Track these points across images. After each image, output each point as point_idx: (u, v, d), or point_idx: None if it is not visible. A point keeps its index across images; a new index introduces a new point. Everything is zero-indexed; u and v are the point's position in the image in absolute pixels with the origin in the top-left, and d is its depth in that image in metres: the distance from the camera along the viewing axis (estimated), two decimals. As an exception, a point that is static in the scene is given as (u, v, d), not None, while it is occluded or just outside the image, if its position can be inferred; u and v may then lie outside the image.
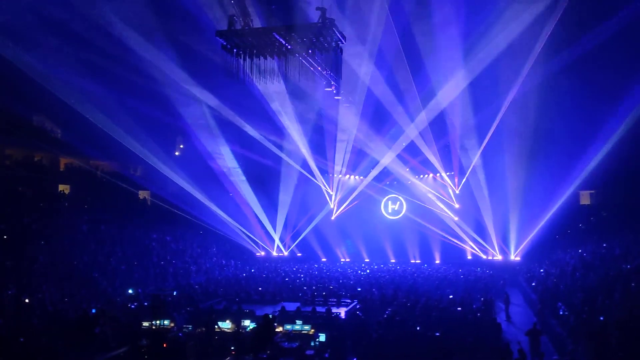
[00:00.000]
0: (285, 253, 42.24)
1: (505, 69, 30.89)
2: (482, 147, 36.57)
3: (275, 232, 41.70)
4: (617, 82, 28.14)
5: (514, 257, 36.22)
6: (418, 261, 40.91)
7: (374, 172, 43.19)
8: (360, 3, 27.26)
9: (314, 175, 42.83)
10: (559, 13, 26.73)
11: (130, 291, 22.79)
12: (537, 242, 34.58)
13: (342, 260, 42.77)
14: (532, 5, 27.03)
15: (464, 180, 40.33)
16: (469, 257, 39.50)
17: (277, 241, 41.97)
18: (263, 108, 36.18)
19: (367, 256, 42.97)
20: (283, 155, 40.68)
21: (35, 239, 24.25)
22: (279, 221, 41.74)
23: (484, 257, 38.27)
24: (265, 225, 41.47)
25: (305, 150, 40.24)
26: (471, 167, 38.58)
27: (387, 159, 40.91)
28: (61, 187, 33.64)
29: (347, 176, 44.58)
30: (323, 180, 43.65)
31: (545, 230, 34.09)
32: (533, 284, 26.19)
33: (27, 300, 18.60)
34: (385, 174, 43.59)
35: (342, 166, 42.77)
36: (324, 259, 42.74)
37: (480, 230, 38.62)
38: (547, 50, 28.80)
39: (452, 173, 41.48)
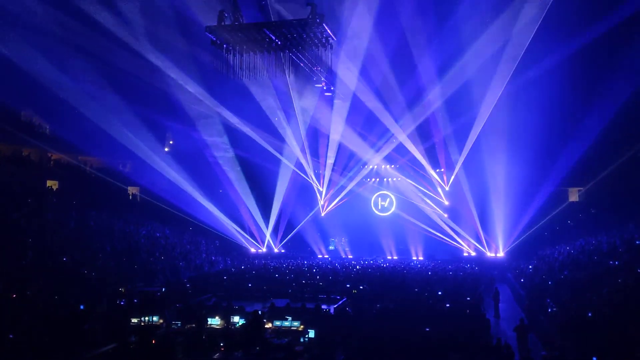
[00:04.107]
0: (275, 249, 42.22)
1: (493, 68, 31.15)
2: (470, 145, 36.70)
3: (265, 228, 41.65)
4: (603, 80, 28.38)
5: (503, 253, 36.39)
6: (413, 258, 41.10)
7: (364, 172, 43.57)
8: (351, 3, 27.34)
9: (304, 172, 42.87)
10: (542, 15, 27.04)
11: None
12: (526, 239, 34.77)
13: (330, 257, 42.81)
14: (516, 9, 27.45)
15: (453, 177, 40.52)
16: (458, 254, 39.66)
17: (267, 237, 41.91)
18: (255, 104, 36.21)
19: (357, 253, 43.09)
20: (274, 152, 40.60)
21: (23, 234, 24.08)
22: (268, 217, 41.71)
23: (474, 253, 38.45)
24: (255, 221, 41.43)
25: (296, 147, 40.27)
26: (460, 164, 38.75)
27: (377, 157, 41.40)
28: (49, 183, 33.44)
29: (338, 173, 44.61)
30: (313, 177, 43.66)
31: (534, 227, 34.28)
32: (522, 280, 26.33)
33: (14, 297, 18.47)
34: (374, 172, 43.89)
35: (333, 163, 42.91)
36: (319, 255, 42.79)
37: (469, 227, 38.78)
38: (534, 50, 29.08)
39: (442, 170, 41.62)
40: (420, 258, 40.60)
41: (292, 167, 42.05)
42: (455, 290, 22.45)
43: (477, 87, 32.98)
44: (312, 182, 43.82)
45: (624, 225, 26.80)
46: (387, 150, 41.40)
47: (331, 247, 45.11)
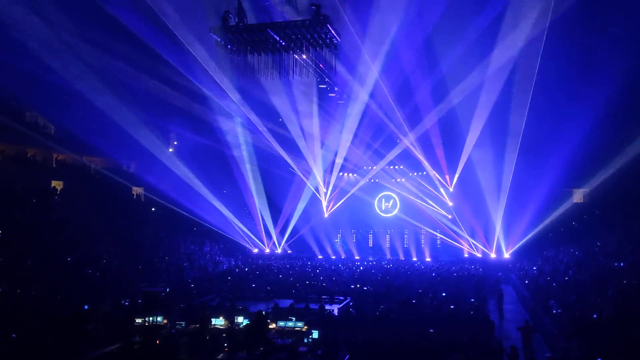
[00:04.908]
0: (279, 250, 42.20)
1: (497, 68, 31.09)
2: (471, 145, 36.64)
3: (268, 229, 41.65)
4: (610, 81, 28.30)
5: (507, 255, 36.30)
6: (414, 259, 41.09)
7: (369, 173, 43.56)
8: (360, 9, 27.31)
9: (309, 173, 42.81)
10: (546, 18, 27.01)
11: None
12: (531, 240, 34.67)
13: (335, 257, 42.79)
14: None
15: (456, 177, 40.47)
16: (463, 255, 39.61)
17: (274, 238, 41.89)
18: (257, 104, 36.22)
19: (360, 253, 43.09)
20: (280, 150, 40.58)
21: (27, 234, 24.13)
22: (272, 218, 41.72)
23: (478, 254, 38.36)
24: (259, 222, 41.44)
25: (302, 148, 40.22)
26: (462, 164, 38.70)
27: (382, 160, 41.49)
28: (54, 183, 33.49)
29: (340, 173, 44.55)
30: (319, 179, 43.56)
31: (539, 228, 34.18)
32: (526, 281, 26.28)
33: (18, 296, 18.51)
34: (378, 173, 43.85)
35: (338, 163, 42.91)
36: (320, 256, 42.74)
37: (473, 228, 38.73)
38: (532, 51, 29.06)
39: (445, 171, 41.54)
40: (428, 259, 40.58)
41: (296, 169, 42.09)
42: (459, 291, 22.42)
43: (477, 88, 33.02)
44: (317, 183, 43.72)
45: (629, 226, 26.73)
46: (393, 152, 41.37)
47: (338, 243, 45.04)
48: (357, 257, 42.20)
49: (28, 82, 27.42)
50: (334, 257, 42.47)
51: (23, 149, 32.68)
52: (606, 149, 31.44)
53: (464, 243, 39.58)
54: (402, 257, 41.86)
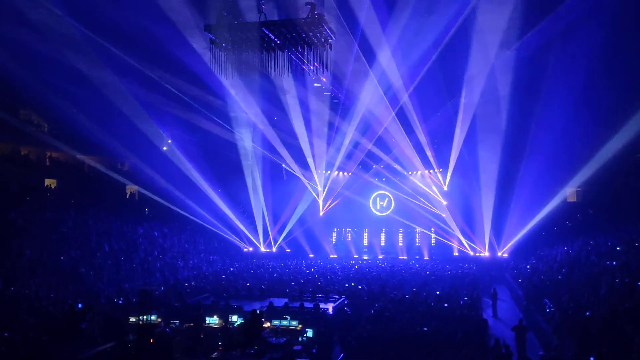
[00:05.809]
0: (274, 249, 42.17)
1: (489, 64, 31.12)
2: (460, 143, 36.75)
3: (263, 227, 41.59)
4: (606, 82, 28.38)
5: (501, 253, 36.39)
6: (405, 257, 41.16)
7: (364, 175, 43.62)
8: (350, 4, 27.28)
9: (304, 171, 42.79)
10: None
11: None
12: (524, 239, 34.75)
13: (331, 256, 42.80)
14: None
15: (449, 176, 40.57)
16: (457, 254, 39.70)
17: (270, 236, 41.86)
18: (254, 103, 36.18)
19: (355, 252, 43.14)
20: (278, 148, 40.53)
21: (21, 233, 24.07)
22: (268, 217, 41.67)
23: (472, 253, 38.45)
24: (254, 220, 41.41)
25: (298, 146, 40.18)
26: (453, 163, 38.83)
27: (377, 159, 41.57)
28: (48, 182, 33.38)
29: (336, 172, 44.57)
30: (317, 178, 43.53)
31: (532, 227, 34.27)
32: (520, 280, 26.37)
33: (13, 295, 18.47)
34: (373, 172, 43.86)
35: (333, 162, 42.91)
36: (311, 255, 42.71)
37: (468, 227, 38.82)
38: (533, 48, 29.06)
39: (440, 170, 41.61)
40: (426, 258, 40.66)
41: (294, 167, 42.07)
42: (453, 290, 22.48)
43: (472, 85, 33.11)
44: (313, 183, 43.69)
45: (622, 225, 26.85)
46: (388, 152, 41.43)
47: (333, 242, 45.18)
48: (355, 256, 42.26)
49: (22, 80, 27.27)
50: (331, 257, 42.48)
51: (17, 147, 32.57)
52: (598, 148, 31.48)
53: (454, 242, 39.68)
54: (400, 257, 41.92)
